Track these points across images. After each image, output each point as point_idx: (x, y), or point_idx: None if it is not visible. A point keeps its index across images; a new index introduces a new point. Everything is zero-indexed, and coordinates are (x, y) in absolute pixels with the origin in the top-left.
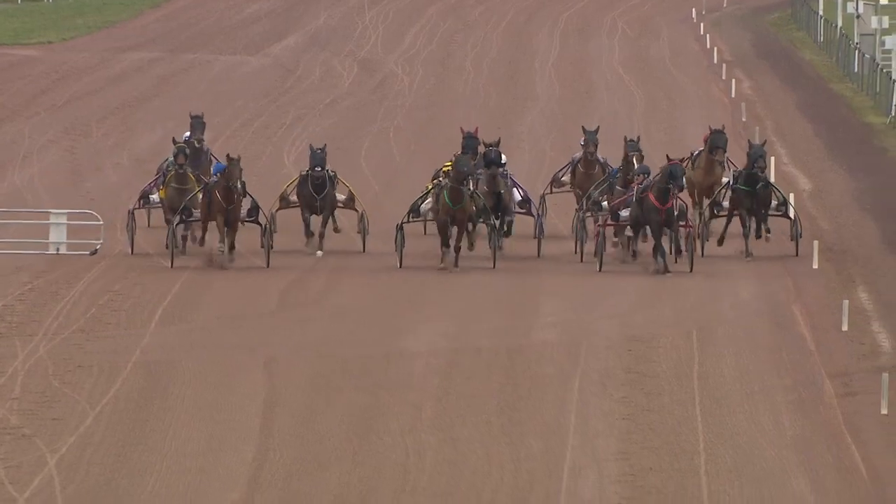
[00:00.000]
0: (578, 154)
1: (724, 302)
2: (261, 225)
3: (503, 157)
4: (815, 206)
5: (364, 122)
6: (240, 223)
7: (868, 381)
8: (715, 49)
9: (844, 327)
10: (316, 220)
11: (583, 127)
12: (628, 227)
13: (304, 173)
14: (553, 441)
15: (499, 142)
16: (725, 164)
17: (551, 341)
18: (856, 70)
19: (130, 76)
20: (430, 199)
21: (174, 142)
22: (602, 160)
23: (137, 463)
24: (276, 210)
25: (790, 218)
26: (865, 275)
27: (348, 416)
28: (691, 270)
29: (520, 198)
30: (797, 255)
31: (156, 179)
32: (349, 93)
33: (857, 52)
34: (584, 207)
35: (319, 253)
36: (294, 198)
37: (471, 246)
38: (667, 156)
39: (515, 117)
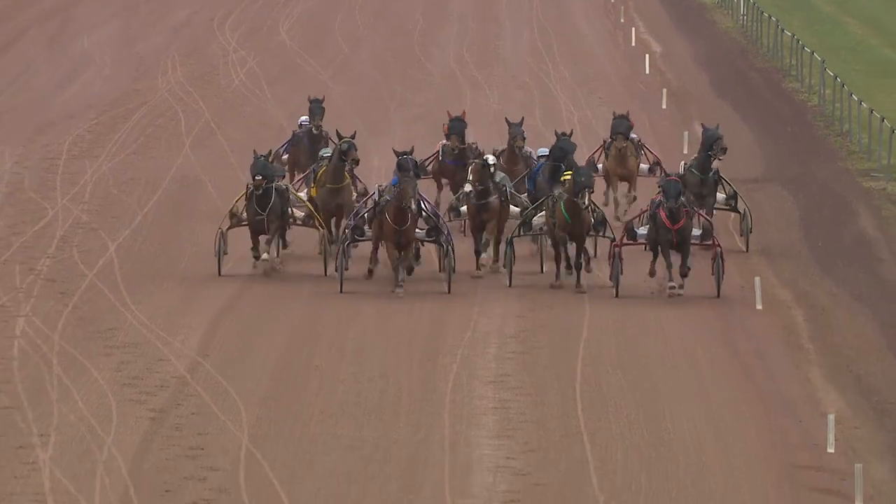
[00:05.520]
0: (501, 147)
1: None
2: (442, 246)
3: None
4: (664, 64)
5: (337, 1)
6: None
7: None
8: None
9: (685, 151)
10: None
11: (506, 119)
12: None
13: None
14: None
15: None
16: (640, 153)
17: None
18: None
19: None
20: (542, 212)
21: (339, 136)
22: (528, 152)
23: (173, 250)
24: (227, 228)
25: (739, 212)
26: (700, 111)
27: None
28: (718, 295)
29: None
30: (747, 250)
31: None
32: None
33: None
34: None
35: (278, 261)
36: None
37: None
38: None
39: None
